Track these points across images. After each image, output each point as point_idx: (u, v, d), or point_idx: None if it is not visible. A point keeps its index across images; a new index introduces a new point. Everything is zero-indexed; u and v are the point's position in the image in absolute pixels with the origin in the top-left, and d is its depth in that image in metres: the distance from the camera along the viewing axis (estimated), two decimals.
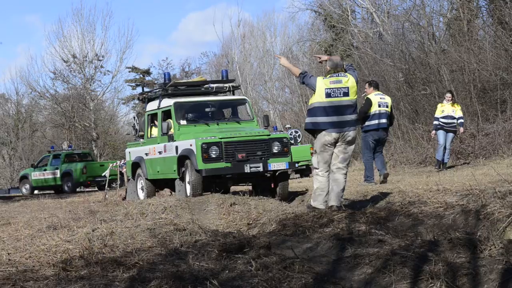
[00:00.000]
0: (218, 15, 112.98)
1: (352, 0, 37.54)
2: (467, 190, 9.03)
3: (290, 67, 10.27)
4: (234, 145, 13.78)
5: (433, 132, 17.58)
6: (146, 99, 16.68)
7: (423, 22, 29.84)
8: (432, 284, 5.09)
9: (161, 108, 15.35)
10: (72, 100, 49.02)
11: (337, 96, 9.31)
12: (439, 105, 17.64)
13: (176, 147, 14.45)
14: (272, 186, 14.54)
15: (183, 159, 14.20)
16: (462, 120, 17.53)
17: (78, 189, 31.36)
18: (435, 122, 17.37)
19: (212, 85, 16.01)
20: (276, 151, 14.08)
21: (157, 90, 16.38)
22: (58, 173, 31.54)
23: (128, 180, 17.57)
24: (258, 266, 5.73)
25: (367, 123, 13.91)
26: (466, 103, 23.86)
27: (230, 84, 16.21)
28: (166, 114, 15.16)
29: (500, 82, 23.08)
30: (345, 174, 9.67)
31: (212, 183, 14.27)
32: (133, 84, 69.77)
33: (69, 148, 35.60)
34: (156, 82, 70.32)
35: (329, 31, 39.77)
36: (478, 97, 23.60)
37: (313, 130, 9.56)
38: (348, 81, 9.40)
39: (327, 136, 9.35)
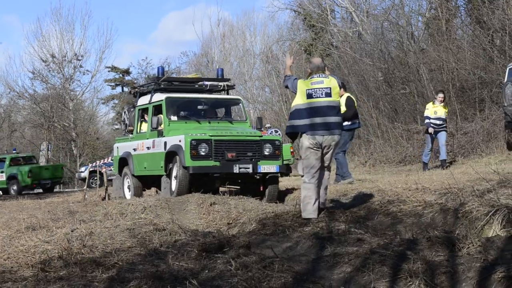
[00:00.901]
0: (198, 14, 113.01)
1: (331, 0, 37.64)
2: (445, 188, 9.07)
3: (286, 68, 9.67)
4: (225, 143, 13.48)
5: (431, 129, 16.67)
6: (138, 93, 16.35)
7: (402, 21, 29.99)
8: (411, 283, 5.11)
9: (153, 102, 15.07)
10: (51, 100, 48.73)
11: (319, 97, 8.79)
12: (430, 105, 16.98)
13: (165, 143, 14.12)
14: (261, 189, 14.08)
15: (171, 155, 13.88)
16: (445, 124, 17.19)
17: (24, 192, 31.06)
18: (427, 121, 16.77)
19: (206, 82, 15.73)
20: (267, 153, 13.78)
21: (150, 84, 16.03)
22: (4, 176, 31.58)
23: (113, 177, 17.28)
24: (237, 265, 5.73)
25: (351, 121, 13.93)
26: (445, 102, 23.98)
27: (225, 83, 15.96)
28: (157, 109, 14.83)
29: (479, 81, 23.22)
30: (327, 173, 9.23)
31: (199, 181, 13.83)
32: (113, 84, 69.57)
33: (14, 151, 35.53)
34: (135, 81, 70.24)
35: (309, 31, 39.87)
36: (456, 96, 23.74)
37: (294, 135, 9.09)
38: (330, 81, 8.91)
39: (310, 140, 8.75)
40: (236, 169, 13.39)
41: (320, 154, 8.83)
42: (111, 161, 30.34)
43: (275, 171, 13.78)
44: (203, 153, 13.25)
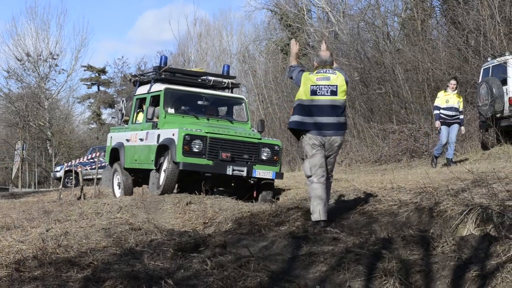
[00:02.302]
0: (175, 13, 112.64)
1: (307, 0, 37.72)
2: (420, 188, 9.12)
3: (291, 57, 8.97)
4: (220, 142, 12.82)
5: (438, 123, 15.36)
6: (137, 82, 15.60)
7: (378, 21, 30.13)
8: (386, 281, 5.14)
9: (151, 92, 14.35)
10: (26, 99, 48.30)
11: (324, 95, 8.19)
12: (441, 94, 15.51)
13: (158, 136, 13.42)
14: (254, 194, 13.25)
15: (162, 148, 13.20)
16: (462, 117, 15.63)
17: None
18: (436, 112, 15.38)
19: (210, 78, 14.99)
20: (264, 158, 13.16)
21: (150, 73, 15.23)
22: None
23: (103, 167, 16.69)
24: (213, 265, 5.73)
25: None
26: (420, 102, 24.16)
27: (230, 81, 15.22)
28: (155, 100, 14.13)
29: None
30: (332, 177, 8.73)
31: (188, 180, 13.22)
32: (89, 83, 69.30)
33: None
34: (112, 81, 70.03)
35: (285, 30, 39.92)
36: (432, 96, 23.83)
37: (297, 131, 8.46)
38: (337, 78, 8.26)
39: (313, 139, 8.20)
40: (229, 171, 12.72)
41: (325, 154, 8.28)
42: (87, 161, 30.24)
43: (271, 177, 13.14)
44: (196, 150, 12.62)
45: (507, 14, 21.79)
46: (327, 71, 8.30)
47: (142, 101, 14.85)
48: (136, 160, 14.39)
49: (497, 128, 17.58)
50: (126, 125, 15.52)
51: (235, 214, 9.60)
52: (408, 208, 8.35)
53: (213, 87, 15.00)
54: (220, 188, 14.48)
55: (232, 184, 14.06)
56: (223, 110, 15.09)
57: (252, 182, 13.22)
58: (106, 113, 71.64)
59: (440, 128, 15.30)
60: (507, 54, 18.23)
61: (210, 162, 12.72)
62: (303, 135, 8.32)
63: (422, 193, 8.79)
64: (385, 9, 31.16)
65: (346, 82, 8.39)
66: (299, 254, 6.11)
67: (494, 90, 17.49)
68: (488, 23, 21.80)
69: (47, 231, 8.31)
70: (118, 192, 15.32)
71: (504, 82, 17.59)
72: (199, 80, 14.90)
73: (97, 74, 69.40)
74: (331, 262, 5.65)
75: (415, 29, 27.37)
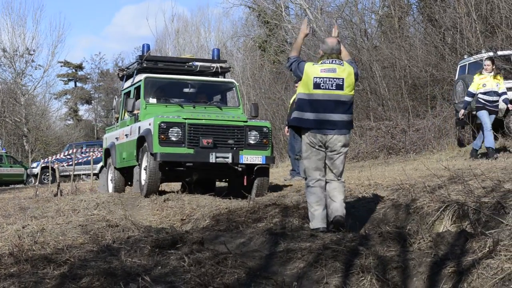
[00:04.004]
0: (152, 9, 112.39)
1: None
2: (397, 184, 9.18)
3: (295, 43, 8.04)
4: (201, 128, 11.70)
5: (462, 112, 14.09)
6: (124, 76, 14.70)
7: (355, 19, 30.24)
8: (363, 278, 5.16)
9: (134, 84, 13.40)
10: (2, 95, 48.07)
11: (328, 89, 7.33)
12: (476, 77, 13.75)
13: (139, 128, 12.47)
14: (245, 183, 12.17)
15: (141, 141, 12.24)
16: (506, 96, 13.55)
17: None
18: (467, 99, 13.79)
19: (196, 63, 13.79)
20: (252, 142, 11.97)
21: (134, 64, 14.05)
22: None
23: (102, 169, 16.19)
24: (191, 261, 5.72)
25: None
26: (397, 99, 24.29)
27: (219, 65, 13.93)
28: (138, 92, 13.09)
29: (430, 78, 23.54)
30: (343, 182, 7.68)
31: (173, 174, 12.24)
32: (65, 79, 69.13)
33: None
34: (89, 77, 69.76)
35: (263, 27, 39.95)
36: (409, 93, 24.03)
37: (298, 129, 7.66)
38: (344, 71, 7.40)
39: (311, 138, 7.40)
40: (212, 158, 11.57)
41: (324, 155, 7.45)
42: (63, 157, 30.08)
43: (261, 162, 11.93)
44: (174, 138, 11.55)
45: (483, 12, 21.96)
46: (334, 62, 7.44)
47: (128, 95, 13.93)
48: (124, 158, 13.69)
49: (473, 125, 17.67)
50: (117, 123, 14.86)
51: (212, 211, 9.59)
52: (385, 204, 8.40)
53: (201, 73, 13.84)
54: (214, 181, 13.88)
55: (227, 180, 13.38)
56: (213, 96, 13.94)
57: (240, 169, 12.00)
58: (83, 109, 71.49)
59: (462, 118, 14.58)
60: (483, 51, 18.36)
61: (191, 151, 11.61)
62: (303, 132, 7.53)
63: (399, 190, 8.85)
64: (362, 6, 31.37)
65: (356, 76, 7.53)
66: (276, 251, 6.12)
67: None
68: (465, 20, 21.96)
69: (23, 227, 8.26)
70: (111, 189, 14.53)
71: None
72: (186, 66, 13.81)
73: (74, 70, 69.25)
74: (308, 259, 5.66)
75: (392, 26, 27.52)
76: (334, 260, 5.47)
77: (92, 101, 70.94)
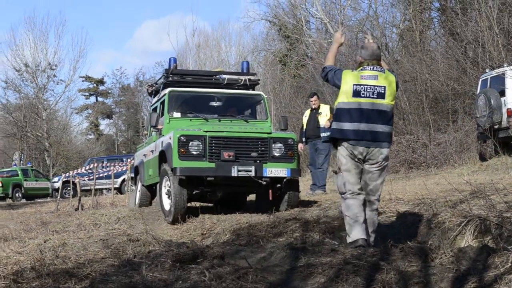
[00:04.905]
0: (173, 24, 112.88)
1: (306, 11, 37.87)
2: (419, 199, 9.13)
3: (330, 52, 7.54)
4: (222, 141, 11.12)
5: None
6: (153, 92, 14.19)
7: (376, 32, 30.20)
8: None
9: (160, 99, 12.94)
10: (24, 110, 48.44)
11: (369, 97, 6.84)
12: None
13: (162, 143, 11.96)
14: (270, 198, 11.53)
15: (162, 157, 11.75)
16: None
17: None
18: None
19: (223, 76, 13.15)
20: (277, 154, 11.34)
21: (161, 78, 13.57)
22: None
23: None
24: (211, 276, 5.72)
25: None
26: (419, 113, 24.18)
27: (247, 77, 13.25)
28: (163, 106, 12.61)
29: (452, 92, 23.44)
30: (377, 210, 7.22)
31: (197, 193, 11.54)
32: (87, 94, 69.54)
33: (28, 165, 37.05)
34: (110, 91, 70.16)
35: (284, 41, 40.02)
36: (430, 107, 23.92)
37: (335, 140, 7.10)
38: (386, 79, 6.92)
39: (351, 150, 6.90)
40: (234, 172, 10.97)
41: (361, 169, 6.98)
42: (84, 172, 30.21)
43: (285, 175, 11.33)
44: (195, 152, 10.96)
45: (505, 26, 21.86)
46: (375, 68, 6.94)
47: (155, 110, 13.37)
48: (150, 175, 13.24)
49: (495, 140, 17.59)
50: (146, 140, 14.55)
51: (233, 225, 9.59)
52: (406, 219, 8.35)
53: (230, 86, 13.17)
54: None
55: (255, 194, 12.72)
56: (241, 110, 13.21)
57: (264, 183, 11.30)
58: (104, 124, 71.82)
59: None
60: (505, 65, 18.28)
61: (212, 165, 11.00)
62: (340, 145, 7.01)
63: (420, 205, 8.80)
64: (383, 20, 31.33)
65: (397, 85, 7.05)
66: (297, 266, 6.10)
67: (492, 101, 17.53)
68: (487, 34, 21.87)
69: (45, 242, 8.30)
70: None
71: (502, 93, 17.64)
72: (213, 79, 13.17)
73: (95, 85, 69.66)
74: (329, 274, 5.64)
75: (413, 40, 27.44)
76: (355, 275, 5.44)
77: (113, 116, 71.27)
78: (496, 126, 17.61)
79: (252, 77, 13.43)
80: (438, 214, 7.94)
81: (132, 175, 17.76)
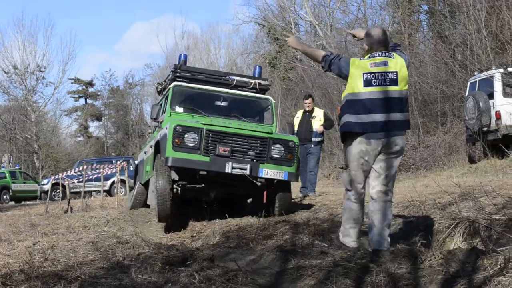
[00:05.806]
0: (163, 26, 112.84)
1: (295, 13, 37.89)
2: (408, 201, 9.15)
3: (306, 51, 7.28)
4: (219, 136, 10.64)
5: None
6: (162, 90, 13.73)
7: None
8: None
9: (165, 94, 12.61)
10: (13, 112, 48.32)
11: (382, 85, 6.40)
12: None
13: (160, 135, 11.52)
14: (264, 200, 11.08)
15: (158, 147, 11.39)
16: None
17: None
18: None
19: (233, 77, 12.78)
20: (276, 156, 10.85)
21: (169, 75, 13.13)
22: None
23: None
24: (201, 278, 5.71)
25: (322, 136, 14.09)
26: None
27: (257, 81, 12.79)
28: (167, 100, 12.26)
29: (440, 95, 23.52)
30: (390, 201, 6.71)
31: (188, 189, 11.09)
32: (76, 96, 69.42)
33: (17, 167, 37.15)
34: (99, 93, 70.05)
35: (273, 44, 40.09)
36: (419, 110, 23.99)
37: (346, 135, 6.67)
38: (397, 64, 6.48)
39: (364, 145, 6.49)
40: (228, 168, 10.48)
41: (371, 165, 6.58)
42: (74, 174, 30.09)
43: (282, 178, 10.80)
44: (190, 144, 10.49)
45: (493, 29, 21.95)
46: (383, 54, 6.54)
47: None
48: (147, 171, 12.83)
49: (484, 142, 17.66)
50: (149, 139, 14.11)
51: (222, 228, 9.59)
52: (396, 221, 8.37)
53: (238, 87, 12.71)
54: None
55: (249, 200, 12.38)
56: (247, 112, 12.70)
57: (259, 184, 10.79)
58: (93, 126, 71.72)
59: None
60: (493, 68, 18.37)
61: (206, 159, 10.50)
62: (351, 139, 6.59)
63: (410, 207, 8.82)
64: (372, 23, 31.41)
65: (407, 66, 6.56)
66: (287, 268, 6.10)
67: (480, 104, 17.61)
68: (475, 37, 21.97)
69: (34, 244, 8.27)
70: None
71: (490, 96, 17.73)
72: (222, 79, 12.73)
73: (84, 87, 69.55)
74: (319, 276, 5.64)
75: (402, 43, 27.49)
76: (344, 277, 5.45)
77: (103, 118, 71.19)
78: (485, 129, 17.69)
79: (262, 82, 12.93)
80: (428, 216, 7.96)
81: (122, 177, 17.71)
